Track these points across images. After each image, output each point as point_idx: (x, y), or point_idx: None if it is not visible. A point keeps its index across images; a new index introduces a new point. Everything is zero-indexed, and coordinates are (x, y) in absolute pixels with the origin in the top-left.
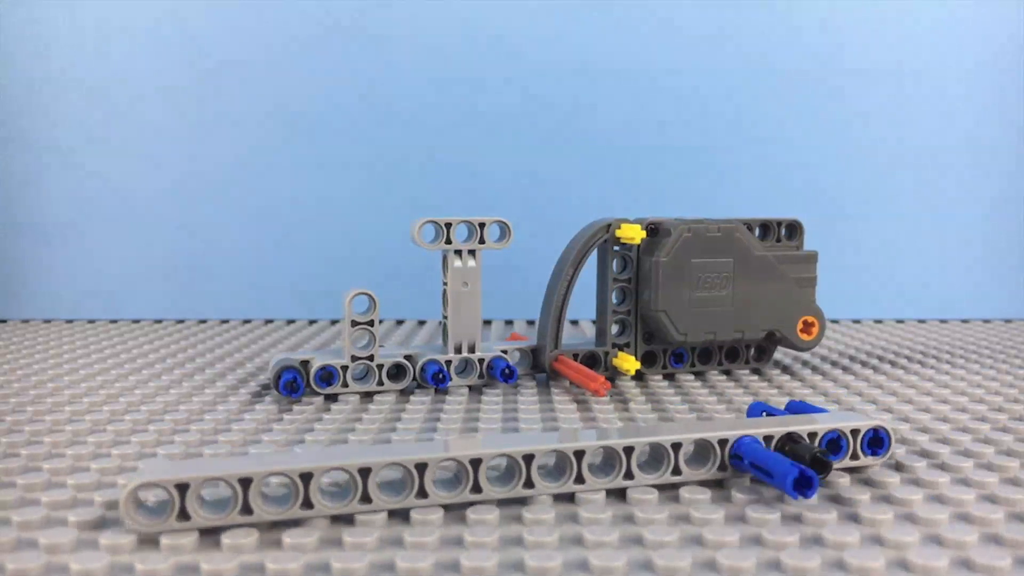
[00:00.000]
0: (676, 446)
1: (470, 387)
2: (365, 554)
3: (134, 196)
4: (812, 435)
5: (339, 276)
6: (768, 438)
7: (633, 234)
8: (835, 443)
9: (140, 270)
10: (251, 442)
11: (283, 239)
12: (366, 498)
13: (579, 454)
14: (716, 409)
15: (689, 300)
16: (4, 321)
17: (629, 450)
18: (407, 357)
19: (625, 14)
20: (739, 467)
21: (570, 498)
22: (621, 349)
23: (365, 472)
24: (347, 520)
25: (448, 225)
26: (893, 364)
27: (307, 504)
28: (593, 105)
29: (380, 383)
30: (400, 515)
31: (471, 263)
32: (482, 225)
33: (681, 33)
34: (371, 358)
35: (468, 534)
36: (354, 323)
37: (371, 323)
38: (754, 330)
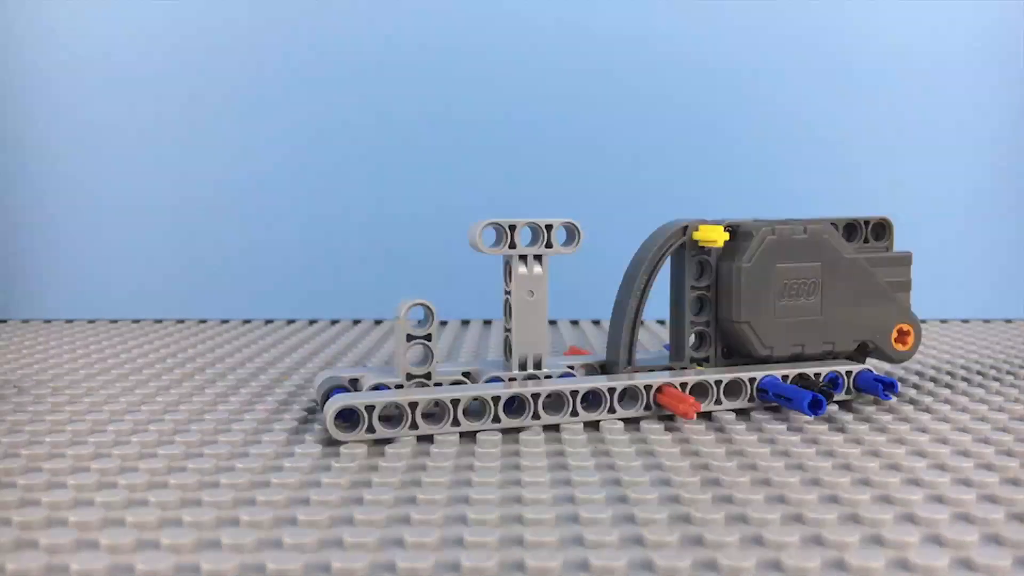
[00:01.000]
0: (718, 382)
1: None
2: (365, 554)
3: (134, 196)
4: (817, 375)
5: (339, 276)
6: (785, 377)
7: (715, 236)
8: (833, 382)
9: (140, 270)
10: (251, 442)
11: (283, 239)
12: (496, 418)
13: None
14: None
15: (775, 310)
16: (4, 321)
17: (684, 385)
18: (465, 374)
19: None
20: (764, 399)
21: (571, 499)
22: (700, 364)
23: (496, 399)
24: (347, 520)
25: (512, 227)
26: (892, 364)
27: (455, 423)
28: (633, 101)
29: (455, 423)
30: (400, 515)
31: (537, 269)
32: (549, 227)
33: (724, 24)
34: (428, 376)
35: (468, 534)
36: (409, 337)
37: (428, 337)
38: (845, 341)
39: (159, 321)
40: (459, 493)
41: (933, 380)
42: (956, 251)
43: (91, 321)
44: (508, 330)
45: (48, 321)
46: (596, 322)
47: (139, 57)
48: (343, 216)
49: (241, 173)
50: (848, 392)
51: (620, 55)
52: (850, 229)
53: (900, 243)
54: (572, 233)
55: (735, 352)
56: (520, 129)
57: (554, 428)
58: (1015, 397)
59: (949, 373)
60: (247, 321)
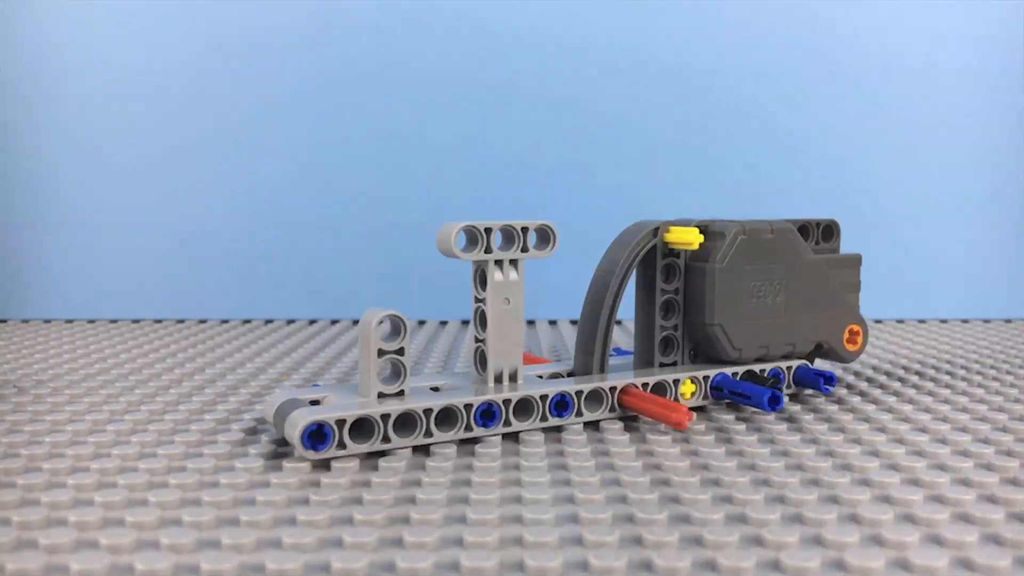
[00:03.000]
0: (676, 381)
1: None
2: (365, 554)
3: (134, 196)
4: (762, 371)
5: (339, 276)
6: (735, 374)
7: (690, 238)
8: (776, 377)
9: (140, 270)
10: (251, 441)
11: (283, 239)
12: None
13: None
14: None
15: (744, 312)
16: (4, 321)
17: (645, 385)
18: (434, 390)
19: (646, 6)
20: (718, 396)
21: (571, 499)
22: (669, 366)
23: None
24: (347, 520)
25: (488, 231)
26: (893, 364)
27: (428, 434)
28: (595, 101)
29: (428, 433)
30: (400, 515)
31: (513, 275)
32: (524, 230)
33: (692, 25)
34: (401, 394)
35: (468, 534)
36: (381, 352)
37: (400, 351)
38: (804, 342)
39: (159, 321)
40: (459, 493)
41: (933, 380)
42: (956, 251)
43: (91, 321)
44: (480, 341)
45: (48, 321)
46: (553, 322)
47: (139, 57)
48: (343, 216)
49: (241, 174)
50: (788, 386)
51: (578, 57)
52: (802, 231)
53: (901, 243)
54: (546, 235)
55: (702, 355)
56: (509, 134)
57: (555, 428)
58: (1015, 397)
59: (949, 373)
60: (247, 321)
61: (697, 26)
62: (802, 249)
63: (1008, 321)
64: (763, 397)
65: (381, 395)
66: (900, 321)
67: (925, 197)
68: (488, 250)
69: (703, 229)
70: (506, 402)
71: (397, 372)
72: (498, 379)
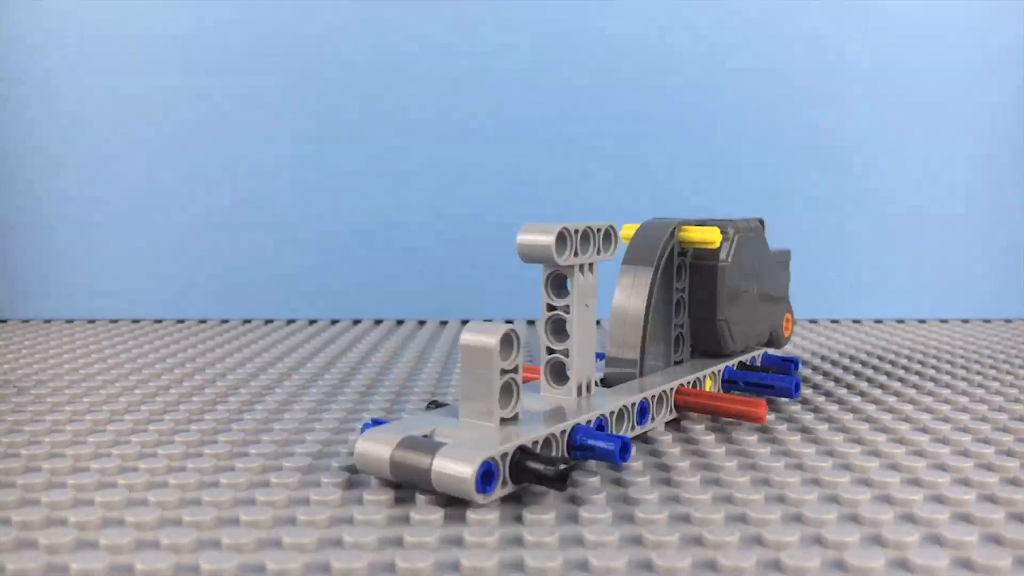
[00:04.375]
0: (700, 379)
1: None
2: (365, 554)
3: (134, 196)
4: (751, 360)
5: (339, 275)
6: (742, 364)
7: (711, 237)
8: (795, 364)
9: (140, 270)
10: (251, 441)
11: (283, 239)
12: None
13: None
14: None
15: (739, 306)
16: (4, 321)
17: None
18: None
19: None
20: (729, 389)
21: (571, 499)
22: (680, 364)
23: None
24: (347, 520)
25: (577, 233)
26: (893, 364)
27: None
28: (558, 105)
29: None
30: (400, 514)
31: (591, 279)
32: (599, 231)
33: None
34: (516, 418)
35: (468, 534)
36: (502, 372)
37: (516, 370)
38: (763, 331)
39: (159, 321)
40: None
41: (933, 380)
42: (956, 251)
43: (91, 321)
44: (557, 351)
45: (48, 321)
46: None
47: (139, 57)
48: (343, 217)
49: (241, 174)
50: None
51: (588, 52)
52: None
53: (900, 243)
54: (609, 237)
55: (699, 351)
56: (514, 134)
57: None
58: (1015, 397)
59: (949, 373)
60: (247, 321)
61: (700, 20)
62: (766, 245)
63: (1008, 321)
64: (791, 384)
65: (503, 420)
66: (900, 321)
67: (925, 197)
68: (577, 253)
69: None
70: (611, 414)
71: (509, 393)
72: (579, 391)
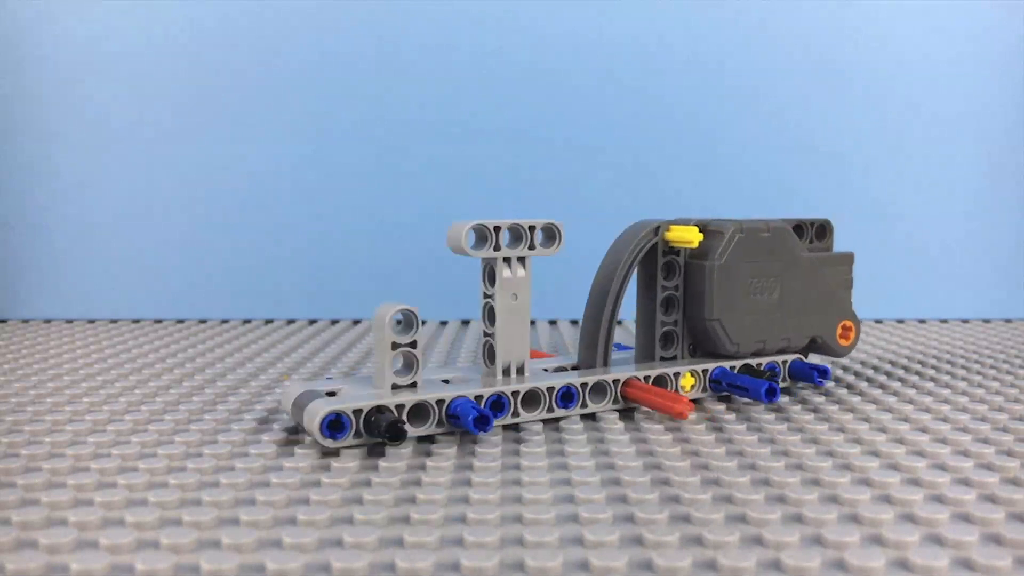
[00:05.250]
0: (677, 374)
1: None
2: (365, 554)
3: (134, 197)
4: (759, 364)
5: (339, 276)
6: (732, 367)
7: (690, 237)
8: (772, 370)
9: (140, 270)
10: (251, 441)
11: (283, 239)
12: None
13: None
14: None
15: (741, 307)
16: (4, 321)
17: (647, 377)
18: (445, 382)
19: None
20: (717, 389)
21: (571, 499)
22: (669, 360)
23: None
24: (347, 520)
25: (497, 229)
26: (893, 364)
27: (440, 423)
28: (595, 98)
29: (440, 423)
30: (400, 515)
31: (520, 272)
32: (532, 228)
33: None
34: (414, 385)
35: (468, 534)
36: (395, 345)
37: (414, 344)
38: (799, 337)
39: (159, 321)
40: (459, 493)
41: (933, 380)
42: (956, 251)
43: (91, 321)
44: (489, 335)
45: (48, 321)
46: (553, 322)
47: (139, 57)
48: (343, 216)
49: (241, 174)
50: (784, 380)
51: (580, 57)
52: (797, 230)
53: (901, 243)
54: (552, 233)
55: (701, 349)
56: (515, 135)
57: (554, 428)
58: (1015, 397)
59: (949, 373)
60: (247, 321)
61: (700, 21)
62: (797, 247)
63: (1008, 321)
64: (761, 389)
65: (395, 386)
66: (900, 321)
67: (925, 197)
68: (497, 248)
69: (702, 228)
70: (515, 393)
71: (410, 364)
72: (506, 372)
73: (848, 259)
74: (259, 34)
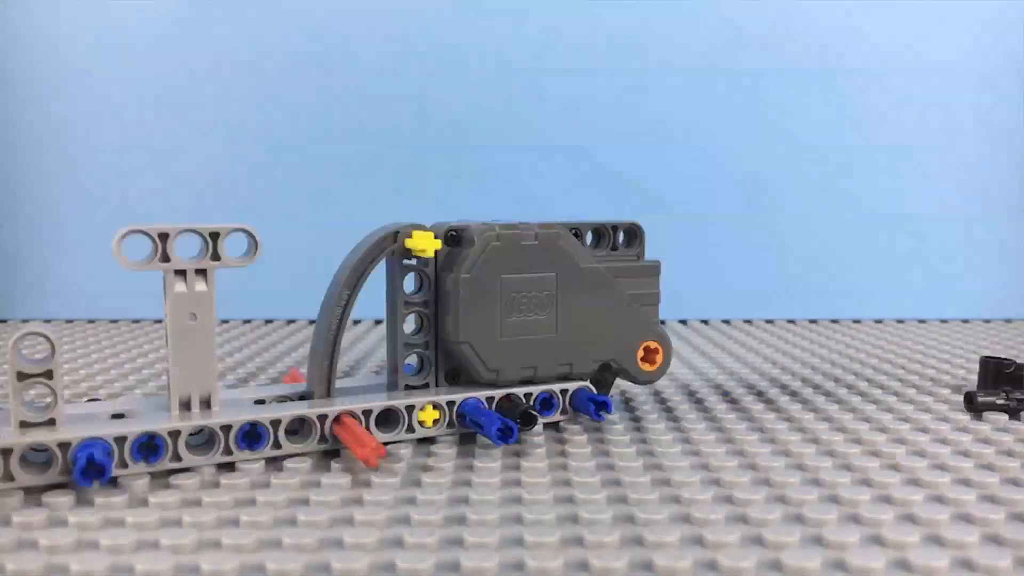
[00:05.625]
0: (411, 407)
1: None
2: (365, 554)
3: (134, 196)
4: (528, 395)
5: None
6: (490, 399)
7: (424, 245)
8: (548, 402)
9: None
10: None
11: (284, 239)
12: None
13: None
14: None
15: (501, 327)
16: (4, 321)
17: (367, 412)
18: (117, 416)
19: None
20: (463, 423)
21: (571, 499)
22: (416, 389)
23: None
24: (347, 521)
25: (164, 236)
26: (892, 364)
27: (65, 472)
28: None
29: (65, 471)
30: (400, 515)
31: (200, 287)
32: (215, 235)
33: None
34: (52, 423)
35: (468, 534)
36: (22, 376)
37: (49, 374)
38: (584, 362)
39: (159, 321)
40: (459, 494)
41: (933, 380)
42: (956, 251)
43: (91, 321)
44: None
45: (48, 321)
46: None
47: (139, 58)
48: (343, 216)
49: (240, 173)
50: (564, 412)
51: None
52: (597, 235)
53: (900, 243)
54: (250, 242)
55: (461, 376)
56: (517, 135)
57: (554, 429)
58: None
59: (949, 374)
60: (247, 321)
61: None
62: (579, 256)
63: (1008, 321)
64: (492, 428)
65: (24, 424)
66: (900, 321)
67: (925, 197)
68: (166, 259)
69: (456, 233)
70: (173, 433)
71: (46, 398)
72: (186, 405)
73: (653, 269)
74: (260, 35)
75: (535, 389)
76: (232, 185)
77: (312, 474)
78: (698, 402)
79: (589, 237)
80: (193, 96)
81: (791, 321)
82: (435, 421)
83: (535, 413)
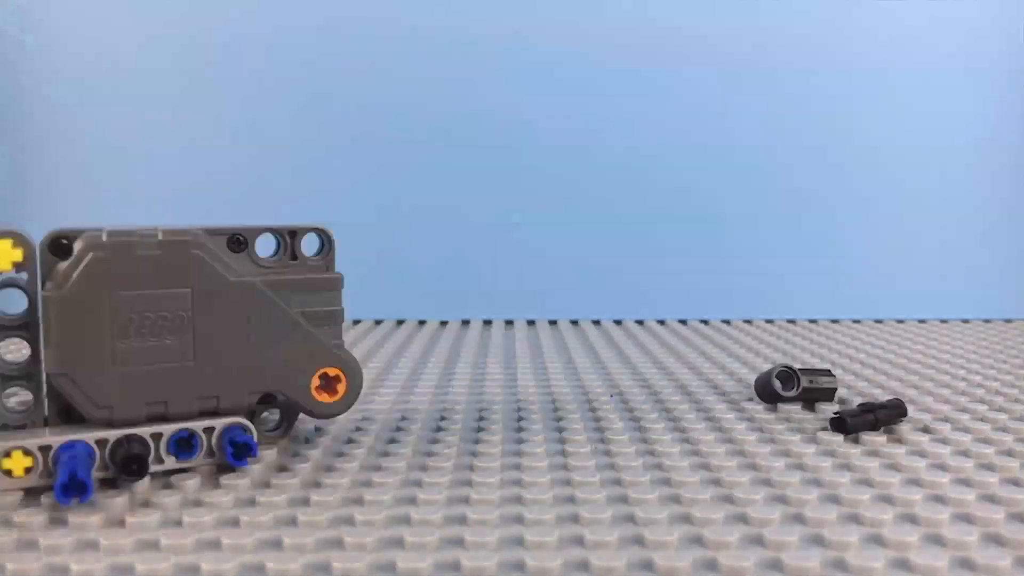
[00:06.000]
0: None
1: None
2: (365, 554)
3: (134, 196)
4: (157, 435)
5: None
6: (104, 441)
7: None
8: (187, 441)
9: None
10: None
11: None
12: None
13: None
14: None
15: (113, 355)
16: None
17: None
18: None
19: None
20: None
21: (571, 499)
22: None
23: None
24: (348, 521)
25: None
26: (892, 364)
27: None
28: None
29: None
30: (400, 515)
31: None
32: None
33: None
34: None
35: (468, 534)
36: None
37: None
38: (236, 394)
39: None
40: (459, 493)
41: (932, 380)
42: (956, 251)
43: None
44: None
45: None
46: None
47: (139, 58)
48: (343, 215)
49: (239, 172)
50: (211, 454)
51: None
52: (280, 240)
53: (901, 243)
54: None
55: (73, 415)
56: (517, 134)
57: (554, 428)
58: (1015, 397)
59: (949, 374)
60: None
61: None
62: (226, 268)
63: (1008, 321)
64: (56, 483)
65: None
66: (900, 321)
67: (925, 197)
68: None
69: (65, 240)
70: None
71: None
72: None
73: (333, 283)
74: (260, 34)
75: (168, 428)
76: (233, 185)
77: (313, 474)
78: (698, 402)
79: (274, 243)
80: (194, 95)
81: (791, 321)
82: (28, 470)
83: (141, 457)
